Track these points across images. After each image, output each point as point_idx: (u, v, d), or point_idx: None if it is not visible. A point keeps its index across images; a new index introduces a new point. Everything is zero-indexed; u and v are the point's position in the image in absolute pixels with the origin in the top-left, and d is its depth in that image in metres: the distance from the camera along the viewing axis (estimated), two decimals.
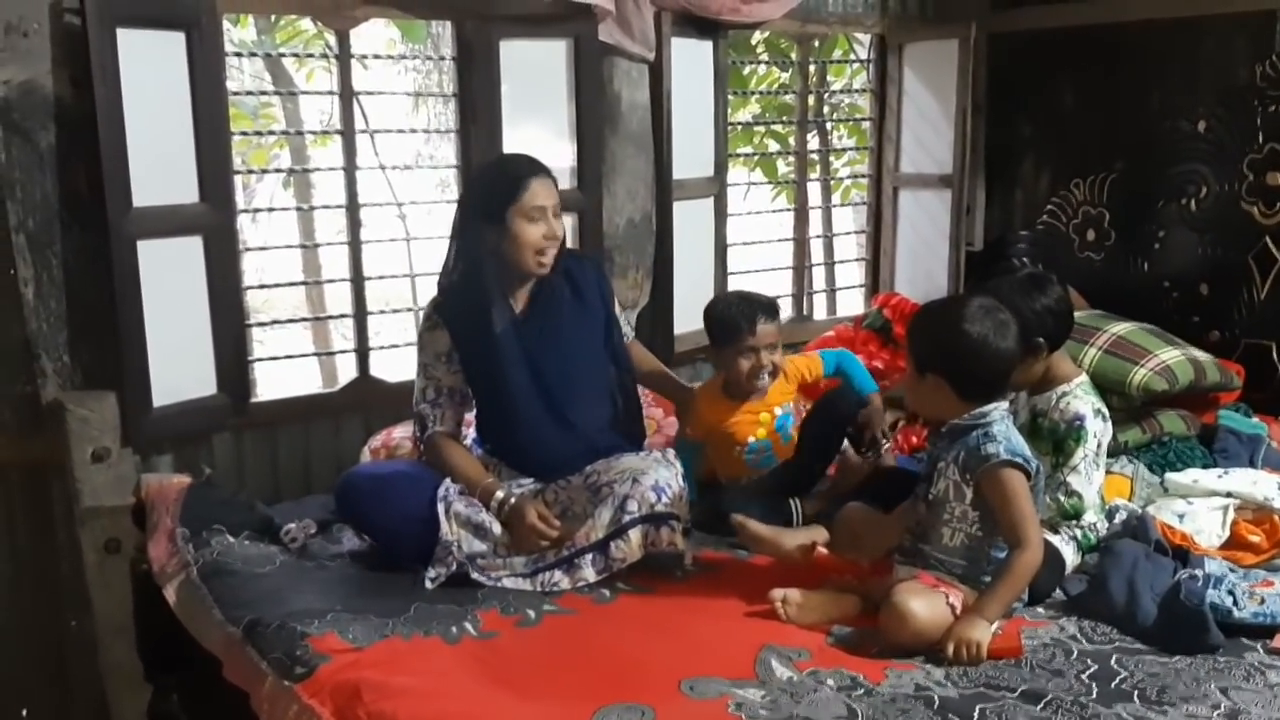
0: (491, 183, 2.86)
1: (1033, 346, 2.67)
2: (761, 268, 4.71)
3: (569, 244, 3.18)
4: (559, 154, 3.71)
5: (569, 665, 2.28)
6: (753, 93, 6.30)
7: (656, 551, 2.66)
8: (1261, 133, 3.87)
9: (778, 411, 3.08)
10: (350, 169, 3.55)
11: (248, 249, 3.94)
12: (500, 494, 2.74)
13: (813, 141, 5.90)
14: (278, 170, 6.97)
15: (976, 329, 2.37)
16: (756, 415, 3.07)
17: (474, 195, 2.92)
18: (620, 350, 3.04)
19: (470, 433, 3.02)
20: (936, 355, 2.41)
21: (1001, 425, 2.40)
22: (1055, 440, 2.69)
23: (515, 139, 3.54)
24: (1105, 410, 2.76)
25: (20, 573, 3.13)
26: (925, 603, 2.30)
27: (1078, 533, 2.69)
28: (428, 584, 2.64)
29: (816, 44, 4.73)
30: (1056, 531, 2.64)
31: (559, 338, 2.89)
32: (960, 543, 2.42)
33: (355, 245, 3.60)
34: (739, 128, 5.97)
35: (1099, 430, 2.71)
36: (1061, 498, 2.66)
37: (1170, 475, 3.15)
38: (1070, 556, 2.64)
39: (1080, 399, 2.71)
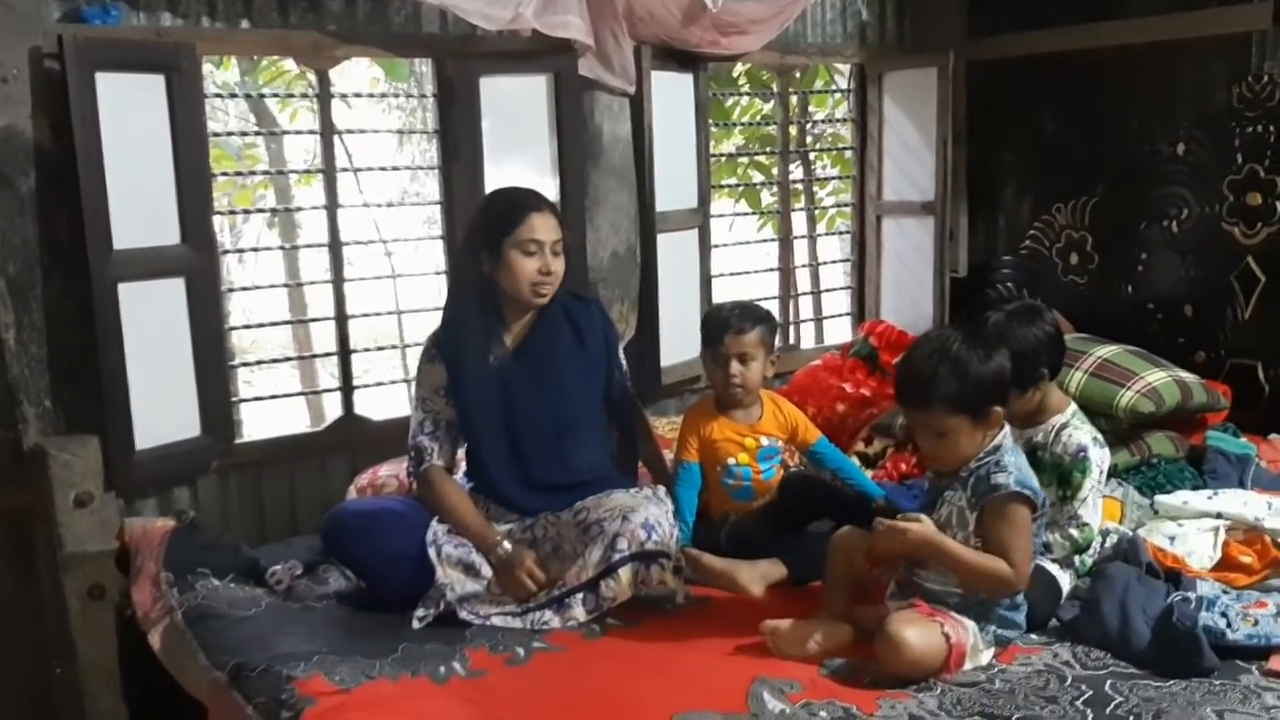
0: (492, 213, 2.87)
1: (1036, 377, 2.65)
2: (747, 298, 4.70)
3: None
4: (542, 188, 3.67)
5: (559, 703, 2.26)
6: (735, 124, 6.33)
7: (647, 591, 2.64)
8: (1240, 154, 3.89)
9: (764, 442, 3.01)
10: (333, 207, 3.54)
11: (232, 289, 3.93)
12: (501, 551, 2.71)
13: (796, 171, 5.92)
14: (261, 210, 6.97)
15: (979, 353, 2.36)
16: (742, 438, 3.01)
17: (475, 224, 2.91)
18: (621, 394, 3.03)
19: (461, 468, 3.00)
20: (961, 397, 2.34)
21: (1012, 456, 2.40)
22: (1060, 474, 2.64)
23: (497, 174, 3.54)
24: (1101, 437, 2.74)
25: (3, 620, 3.09)
26: (920, 632, 2.28)
27: (1076, 560, 2.66)
28: (415, 624, 2.61)
29: (797, 75, 4.76)
30: (1056, 561, 2.62)
31: (554, 375, 2.88)
32: None
33: (339, 283, 3.60)
34: (722, 159, 5.99)
35: (1100, 459, 2.68)
36: (1074, 532, 2.62)
37: (1160, 497, 3.13)
38: (1066, 584, 2.62)
39: (1080, 429, 2.68)
